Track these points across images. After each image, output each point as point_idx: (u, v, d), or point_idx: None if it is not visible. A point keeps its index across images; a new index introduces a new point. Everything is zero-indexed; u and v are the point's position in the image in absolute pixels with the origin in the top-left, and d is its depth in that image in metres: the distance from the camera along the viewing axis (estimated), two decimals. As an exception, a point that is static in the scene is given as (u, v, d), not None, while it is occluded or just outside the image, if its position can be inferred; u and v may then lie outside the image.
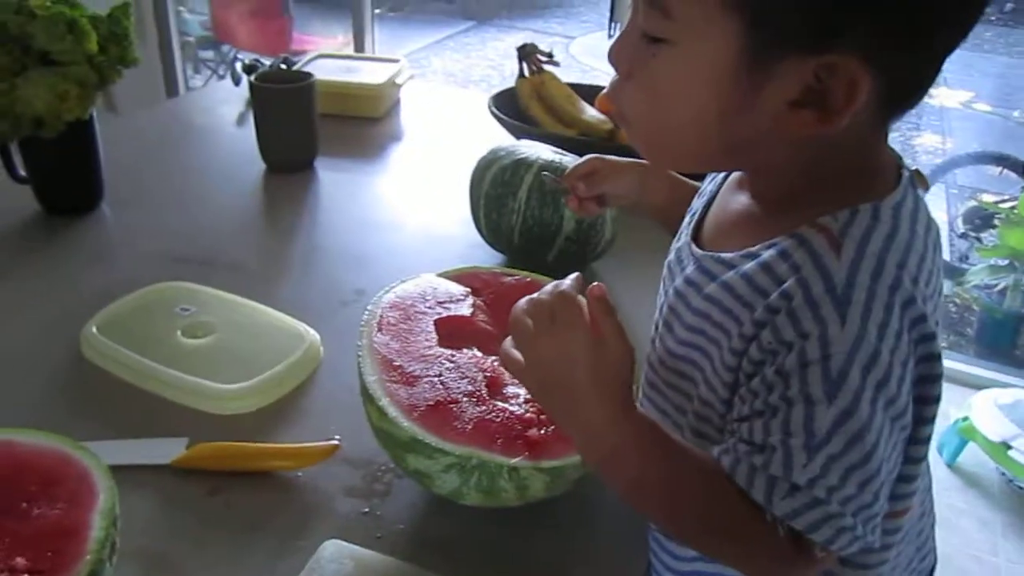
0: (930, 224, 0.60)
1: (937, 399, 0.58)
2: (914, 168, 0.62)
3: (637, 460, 0.59)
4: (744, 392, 0.57)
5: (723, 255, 0.63)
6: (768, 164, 0.62)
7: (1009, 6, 6.89)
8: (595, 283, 0.62)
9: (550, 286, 0.64)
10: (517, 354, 0.63)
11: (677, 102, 0.58)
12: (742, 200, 0.67)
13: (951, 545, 2.20)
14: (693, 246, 0.68)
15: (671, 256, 0.73)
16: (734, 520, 0.57)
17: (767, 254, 0.59)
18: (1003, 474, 2.39)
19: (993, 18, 6.86)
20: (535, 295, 0.64)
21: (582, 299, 0.63)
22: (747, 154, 0.61)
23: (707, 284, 0.64)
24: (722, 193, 0.72)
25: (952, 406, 2.47)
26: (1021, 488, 2.35)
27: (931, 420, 0.59)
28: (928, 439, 0.60)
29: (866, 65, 0.52)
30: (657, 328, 0.72)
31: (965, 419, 2.39)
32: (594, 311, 0.61)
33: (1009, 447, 2.28)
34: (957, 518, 2.29)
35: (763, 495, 0.54)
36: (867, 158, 0.60)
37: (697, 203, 0.75)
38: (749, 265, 0.60)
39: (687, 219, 0.74)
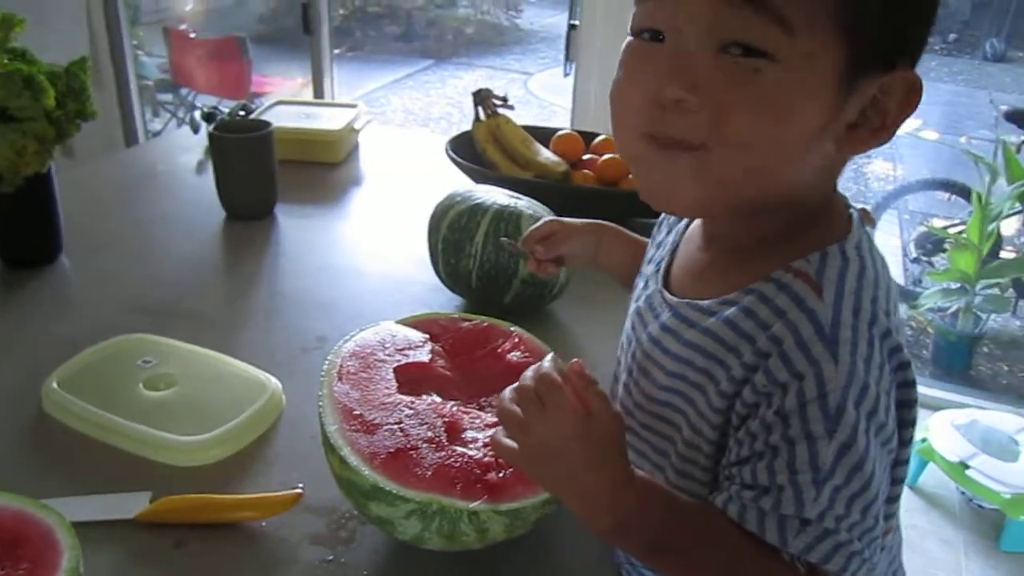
0: (882, 258, 0.64)
1: (913, 422, 0.62)
2: (860, 207, 0.66)
3: (647, 525, 0.60)
4: (742, 435, 0.59)
5: (701, 302, 0.65)
6: (759, 203, 0.62)
7: (952, 36, 7.12)
8: (574, 360, 0.63)
9: (530, 371, 0.65)
10: (509, 442, 0.64)
11: (788, 119, 0.56)
12: (708, 248, 0.70)
13: (915, 565, 2.24)
14: (666, 294, 0.70)
15: (640, 303, 0.75)
16: (748, 565, 0.59)
17: (747, 300, 0.61)
18: (963, 493, 2.43)
19: (937, 48, 7.08)
20: (517, 384, 0.64)
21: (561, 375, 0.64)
22: (784, 184, 0.61)
23: (686, 330, 0.66)
24: (685, 242, 0.74)
25: (910, 428, 2.52)
26: (981, 507, 2.40)
27: (910, 441, 0.63)
28: (908, 460, 0.64)
29: (915, 79, 0.57)
30: (631, 373, 0.73)
31: (923, 440, 2.44)
32: (577, 387, 0.61)
33: (967, 467, 2.33)
34: (921, 539, 2.33)
35: (777, 536, 0.56)
36: (822, 198, 0.64)
37: (658, 253, 0.77)
38: (730, 311, 0.62)
39: (652, 267, 0.76)
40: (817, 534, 0.56)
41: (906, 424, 0.61)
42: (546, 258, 0.95)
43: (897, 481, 0.63)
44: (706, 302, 0.65)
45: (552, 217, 0.98)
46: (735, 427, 0.61)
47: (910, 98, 0.57)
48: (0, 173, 1.13)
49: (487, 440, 0.75)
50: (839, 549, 0.56)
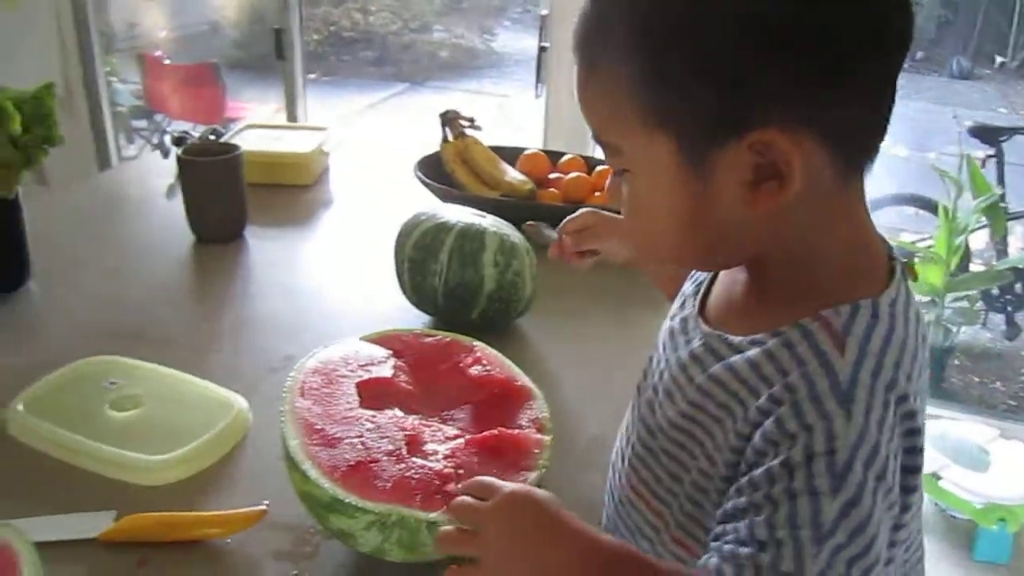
0: (919, 317, 0.63)
1: (918, 488, 0.60)
2: (905, 260, 0.65)
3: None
4: (743, 483, 0.58)
5: (731, 338, 0.65)
6: (762, 254, 0.64)
7: (920, 55, 7.24)
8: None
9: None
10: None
11: (653, 214, 0.64)
12: (746, 281, 0.69)
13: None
14: (701, 321, 0.70)
15: (674, 323, 0.75)
16: None
17: (772, 343, 0.61)
18: (936, 504, 2.45)
19: (906, 66, 7.17)
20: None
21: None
22: (738, 246, 0.64)
23: (712, 364, 0.66)
24: (726, 271, 0.74)
25: (882, 440, 2.54)
26: (954, 517, 2.42)
27: (914, 490, 0.60)
28: (906, 525, 0.62)
29: (788, 130, 0.56)
30: (656, 392, 0.73)
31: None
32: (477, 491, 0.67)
33: (939, 478, 2.36)
34: (894, 550, 2.35)
35: None
36: (858, 243, 0.63)
37: (701, 274, 0.77)
38: (754, 352, 0.62)
39: (691, 287, 0.76)
40: None
41: (911, 490, 0.60)
42: (576, 249, 0.97)
43: (893, 545, 0.61)
44: (736, 338, 0.65)
45: (591, 209, 1.00)
46: (742, 472, 0.59)
47: (788, 156, 0.56)
48: (-34, 199, 1.14)
49: (447, 453, 0.76)
50: None
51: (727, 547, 0.56)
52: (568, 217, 0.99)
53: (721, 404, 0.64)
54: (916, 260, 3.34)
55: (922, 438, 0.59)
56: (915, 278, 0.66)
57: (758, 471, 0.57)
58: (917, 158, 5.34)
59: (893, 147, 5.70)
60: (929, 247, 3.29)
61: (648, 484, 0.71)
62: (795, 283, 0.63)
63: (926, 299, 3.21)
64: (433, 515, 0.69)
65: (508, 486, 0.66)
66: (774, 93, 0.56)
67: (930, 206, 3.64)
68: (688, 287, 0.77)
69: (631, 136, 0.61)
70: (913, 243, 3.62)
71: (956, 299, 3.21)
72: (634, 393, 0.78)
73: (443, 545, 0.67)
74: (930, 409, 2.93)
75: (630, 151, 0.62)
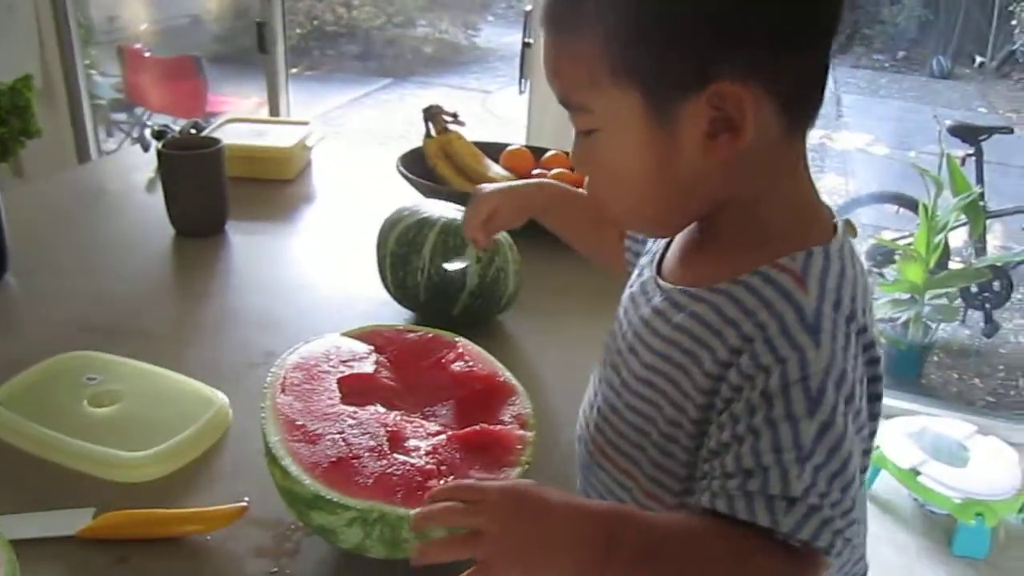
0: (863, 266, 0.69)
1: (878, 415, 0.67)
2: (845, 219, 0.70)
3: (627, 537, 0.61)
4: (724, 418, 0.62)
5: (691, 289, 0.70)
6: (716, 210, 0.69)
7: (901, 54, 7.29)
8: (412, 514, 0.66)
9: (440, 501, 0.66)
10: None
11: (624, 172, 0.68)
12: (700, 239, 0.74)
13: (870, 571, 2.27)
14: (660, 280, 0.75)
15: (634, 288, 0.79)
16: (735, 562, 0.60)
17: (735, 289, 0.66)
18: (915, 499, 2.47)
19: (887, 65, 7.25)
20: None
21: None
22: (697, 201, 0.69)
23: (676, 314, 0.70)
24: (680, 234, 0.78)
25: (863, 437, 2.56)
26: (933, 512, 2.44)
27: (874, 434, 0.67)
28: (874, 434, 0.67)
29: (743, 84, 0.61)
30: (619, 353, 0.77)
31: (876, 448, 2.48)
32: (447, 494, 0.65)
33: (918, 473, 2.38)
34: (875, 544, 2.34)
35: (768, 517, 0.58)
36: (804, 199, 0.69)
37: (654, 246, 0.82)
38: (717, 297, 0.67)
39: (647, 258, 0.80)
40: (804, 511, 0.57)
41: (874, 416, 0.66)
42: (488, 240, 1.01)
43: (863, 470, 0.66)
44: (696, 289, 0.69)
45: (485, 188, 1.01)
46: (719, 410, 0.63)
47: (741, 107, 0.61)
48: (-58, 192, 1.12)
49: (429, 449, 0.76)
50: (825, 526, 0.58)
51: (716, 482, 0.60)
52: (467, 210, 1.00)
53: (686, 351, 0.67)
54: (896, 257, 3.37)
55: (880, 368, 0.65)
56: (854, 234, 0.72)
57: (738, 405, 0.61)
58: (898, 156, 5.38)
59: (874, 145, 5.75)
60: (909, 245, 3.31)
61: (615, 444, 0.75)
62: (748, 234, 0.68)
63: (905, 296, 3.24)
64: (415, 511, 0.69)
65: (496, 483, 0.67)
66: (733, 49, 0.60)
67: (911, 204, 3.66)
68: (644, 260, 0.82)
69: (601, 94, 0.65)
70: (894, 240, 3.65)
71: (935, 296, 3.24)
72: (599, 364, 0.81)
73: (438, 554, 0.64)
74: (910, 405, 2.98)
75: (600, 109, 0.66)
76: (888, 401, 2.73)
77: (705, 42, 0.61)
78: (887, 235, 3.89)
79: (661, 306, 0.72)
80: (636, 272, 0.82)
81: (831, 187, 5.24)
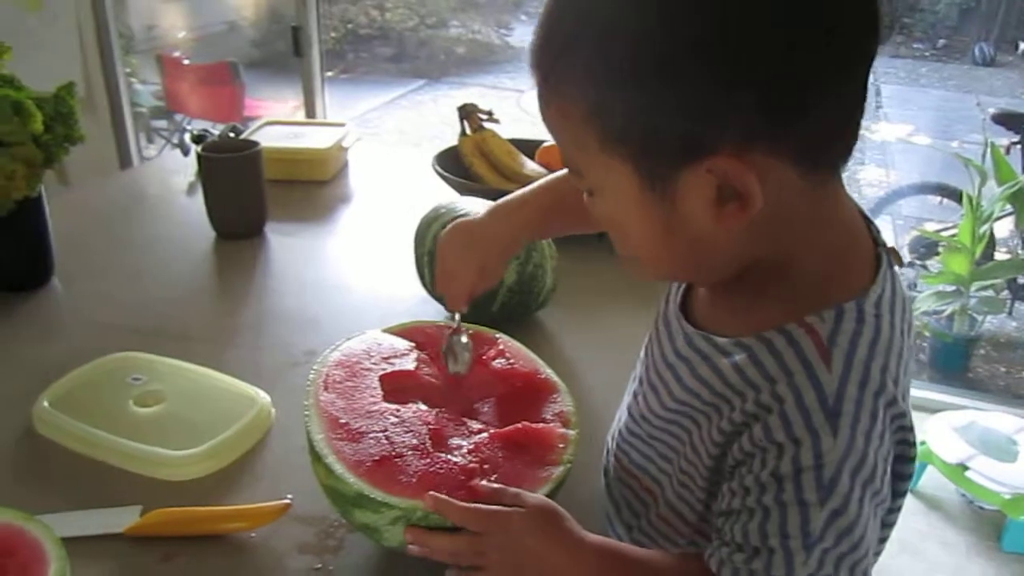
0: (905, 306, 0.64)
1: (911, 475, 0.63)
2: (889, 246, 0.65)
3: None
4: (735, 486, 0.60)
5: (716, 339, 0.66)
6: (753, 260, 0.63)
7: (941, 42, 7.17)
8: (428, 493, 0.69)
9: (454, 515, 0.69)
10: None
11: (627, 230, 0.64)
12: (729, 281, 0.68)
13: (916, 569, 2.23)
14: (683, 320, 0.71)
15: (659, 319, 0.76)
16: None
17: (757, 348, 0.62)
18: (963, 495, 2.43)
19: (928, 54, 7.13)
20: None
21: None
22: (721, 260, 0.64)
23: (699, 364, 0.67)
24: None
25: (908, 432, 2.52)
26: (982, 508, 2.40)
27: (904, 493, 0.65)
28: (900, 508, 0.65)
29: (742, 155, 0.55)
30: (641, 384, 0.76)
31: (922, 443, 2.44)
32: (496, 499, 0.69)
33: (966, 468, 2.33)
34: (922, 542, 2.33)
35: None
36: (838, 243, 0.63)
37: None
38: (740, 356, 0.63)
39: (674, 287, 0.76)
40: None
41: (903, 477, 0.63)
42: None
43: (888, 525, 0.65)
44: (721, 340, 0.66)
45: (457, 274, 0.94)
46: (729, 471, 0.62)
47: (744, 179, 0.56)
48: (-11, 198, 1.14)
49: (471, 447, 0.76)
50: None
51: (724, 549, 0.60)
52: (451, 297, 0.94)
53: (707, 403, 0.66)
54: (940, 249, 3.31)
55: (912, 432, 0.61)
56: (900, 264, 0.66)
57: (749, 477, 0.59)
58: (940, 146, 5.28)
59: (916, 135, 5.65)
60: (953, 236, 3.26)
61: (640, 465, 0.75)
62: (777, 287, 0.63)
63: (951, 288, 3.18)
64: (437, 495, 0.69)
65: (531, 497, 0.69)
66: (727, 120, 0.55)
67: (954, 195, 3.60)
68: (673, 286, 0.77)
69: (592, 160, 0.61)
70: (937, 232, 3.59)
71: (981, 288, 3.18)
72: (637, 370, 0.80)
73: (430, 545, 0.69)
74: (956, 399, 2.93)
75: (593, 175, 0.62)
76: (934, 395, 2.70)
77: (689, 120, 0.55)
78: (930, 226, 3.82)
79: (684, 352, 0.69)
80: (664, 299, 0.78)
81: (872, 179, 5.17)
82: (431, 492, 0.69)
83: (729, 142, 0.55)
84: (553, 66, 0.59)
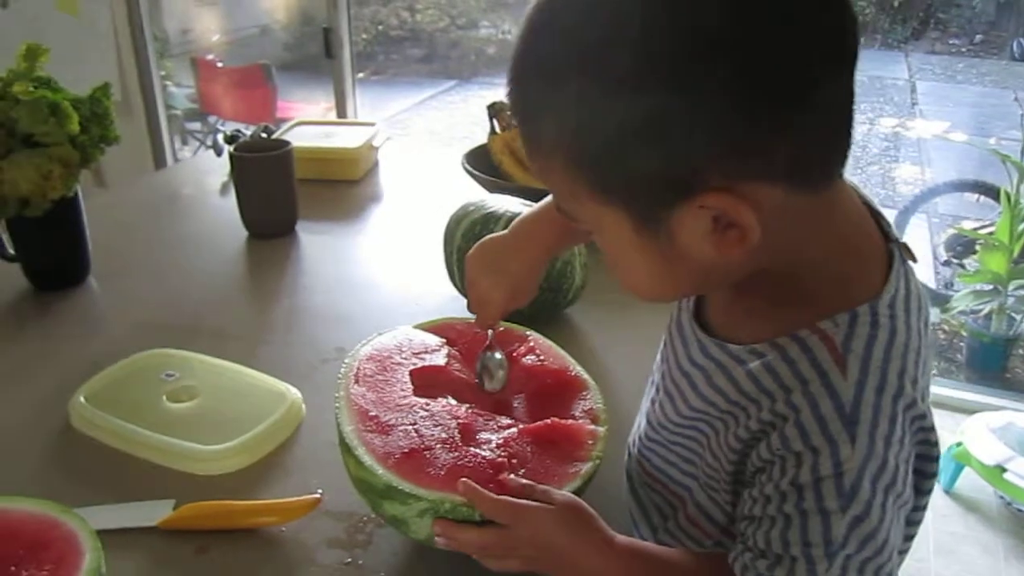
0: (921, 303, 0.63)
1: (934, 474, 0.63)
2: (901, 242, 0.64)
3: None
4: (756, 494, 0.60)
5: (730, 347, 0.66)
6: (755, 272, 0.62)
7: (979, 38, 7.05)
8: (461, 480, 0.69)
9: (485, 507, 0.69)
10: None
11: (626, 265, 0.63)
12: (741, 288, 0.67)
13: (953, 572, 2.20)
14: (697, 329, 0.70)
15: (673, 324, 0.76)
16: None
17: (771, 356, 0.61)
18: (1001, 497, 2.39)
19: (964, 50, 7.01)
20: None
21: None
22: (725, 277, 0.63)
23: (715, 373, 0.67)
24: None
25: (946, 432, 2.48)
26: (1020, 510, 2.36)
27: (928, 492, 0.64)
28: (925, 506, 0.64)
29: (731, 188, 0.54)
30: (658, 391, 0.76)
31: (959, 444, 2.40)
32: (526, 494, 0.69)
33: (1004, 470, 2.29)
34: (958, 544, 2.29)
35: None
36: (847, 246, 0.62)
37: None
38: (755, 364, 0.62)
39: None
40: None
41: (927, 475, 0.62)
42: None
43: (913, 523, 0.64)
44: (735, 348, 0.65)
45: (490, 301, 0.90)
46: (749, 477, 0.62)
47: (738, 212, 0.54)
48: (27, 197, 1.16)
49: (500, 442, 0.76)
50: None
51: (747, 555, 0.60)
52: (480, 322, 0.91)
53: (724, 411, 0.65)
54: (977, 247, 3.26)
55: (934, 432, 0.60)
56: (913, 259, 0.64)
57: (769, 485, 0.59)
58: (977, 143, 5.20)
59: (952, 132, 5.57)
60: (991, 234, 3.20)
61: (663, 471, 0.75)
62: (789, 292, 0.63)
63: (988, 287, 3.13)
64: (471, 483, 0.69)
65: (560, 495, 0.69)
66: (709, 156, 0.53)
67: (992, 192, 3.55)
68: None
69: (582, 205, 0.60)
70: (974, 230, 3.53)
71: (1019, 287, 3.12)
72: (654, 376, 0.79)
73: (457, 537, 0.69)
74: (994, 400, 2.88)
75: (586, 219, 0.61)
76: (971, 396, 2.66)
77: (670, 162, 0.53)
78: (967, 224, 3.76)
79: (699, 360, 0.69)
80: (677, 305, 0.77)
81: (907, 176, 5.11)
82: (463, 479, 0.69)
83: (716, 175, 0.53)
84: (529, 127, 0.59)
